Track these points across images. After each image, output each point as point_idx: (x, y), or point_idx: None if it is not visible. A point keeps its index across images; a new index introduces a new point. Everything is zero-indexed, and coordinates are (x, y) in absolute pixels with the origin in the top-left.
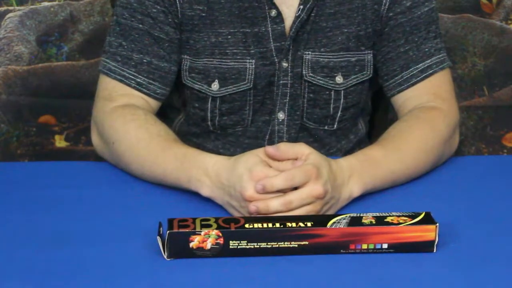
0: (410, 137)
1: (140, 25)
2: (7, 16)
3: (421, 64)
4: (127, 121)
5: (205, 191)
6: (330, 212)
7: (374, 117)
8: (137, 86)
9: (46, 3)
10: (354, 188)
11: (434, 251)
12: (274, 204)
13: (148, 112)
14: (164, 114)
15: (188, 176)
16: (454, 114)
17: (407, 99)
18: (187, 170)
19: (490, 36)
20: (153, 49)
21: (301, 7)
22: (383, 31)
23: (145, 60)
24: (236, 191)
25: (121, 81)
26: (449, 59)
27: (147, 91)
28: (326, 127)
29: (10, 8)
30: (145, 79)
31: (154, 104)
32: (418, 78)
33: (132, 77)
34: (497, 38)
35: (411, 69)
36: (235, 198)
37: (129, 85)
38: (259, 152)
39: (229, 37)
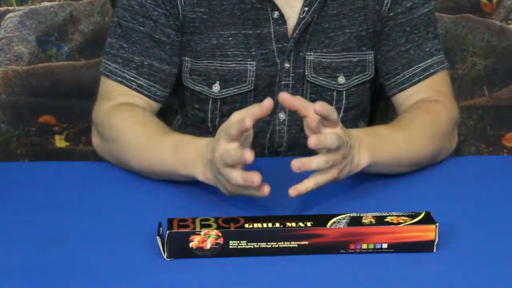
0: (414, 124)
1: (141, 28)
2: (7, 16)
3: (423, 63)
4: (125, 118)
5: (198, 173)
6: (343, 175)
7: (373, 118)
8: (138, 88)
9: (46, 3)
10: (362, 156)
11: (434, 251)
12: (317, 160)
13: (146, 110)
14: (162, 116)
15: (184, 160)
16: (455, 111)
17: (409, 96)
18: (182, 155)
19: (490, 36)
20: (154, 51)
21: (306, 9)
22: (383, 31)
23: (146, 63)
24: (210, 158)
25: (121, 82)
26: (447, 61)
27: (148, 93)
28: None
29: (10, 8)
30: (146, 81)
31: (155, 105)
32: (420, 77)
33: (133, 79)
34: (497, 38)
35: (413, 68)
36: (212, 169)
37: (129, 87)
38: (234, 116)
39: (230, 38)
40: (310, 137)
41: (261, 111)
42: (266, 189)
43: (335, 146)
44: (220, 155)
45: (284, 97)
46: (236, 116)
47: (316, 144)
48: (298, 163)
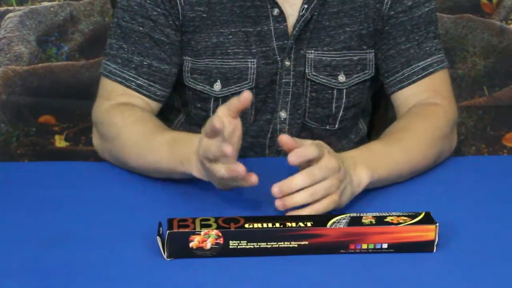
0: (411, 130)
1: (141, 28)
2: (7, 16)
3: (422, 62)
4: (125, 117)
5: (194, 171)
6: (346, 197)
7: (374, 117)
8: (138, 88)
9: (46, 3)
10: (362, 175)
11: (434, 251)
12: (300, 197)
13: (145, 110)
14: (163, 115)
15: (181, 157)
16: (453, 112)
17: (408, 96)
18: (179, 152)
19: (490, 36)
20: (154, 51)
21: (305, 6)
22: (383, 30)
23: (145, 63)
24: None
25: (121, 83)
26: (447, 61)
27: (148, 93)
28: (327, 127)
29: (10, 8)
30: (146, 81)
31: (155, 105)
32: (419, 76)
33: (133, 79)
34: (497, 38)
35: (412, 67)
36: (203, 165)
37: (129, 87)
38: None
39: (231, 36)
40: (275, 185)
41: (240, 104)
42: (254, 178)
43: (316, 154)
44: (202, 150)
45: (284, 140)
46: (221, 110)
47: (294, 160)
48: (276, 189)
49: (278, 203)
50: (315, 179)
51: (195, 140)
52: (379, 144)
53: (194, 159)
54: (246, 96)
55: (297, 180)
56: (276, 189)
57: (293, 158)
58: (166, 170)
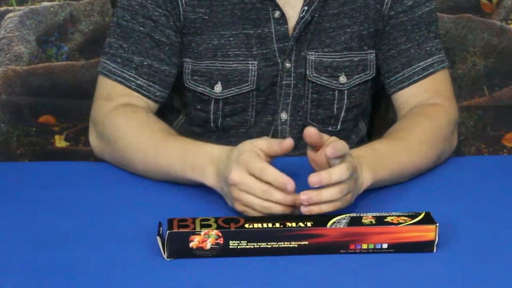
0: (413, 131)
1: (141, 28)
2: (7, 16)
3: (423, 62)
4: (129, 118)
5: (209, 180)
6: (354, 197)
7: (374, 117)
8: (137, 88)
9: (46, 3)
10: (365, 176)
11: (434, 251)
12: (328, 193)
13: (149, 111)
14: (163, 116)
15: (193, 165)
16: (454, 112)
17: (409, 96)
18: (192, 159)
19: (490, 36)
20: (154, 52)
21: (306, 8)
22: (384, 30)
23: (145, 63)
24: (225, 174)
25: (121, 82)
26: (447, 61)
27: (147, 94)
28: (330, 128)
29: (10, 8)
30: (145, 81)
31: (153, 106)
32: (420, 76)
33: (133, 79)
34: (497, 38)
35: (413, 67)
36: (225, 183)
37: (129, 87)
38: (257, 142)
39: (231, 39)
40: (314, 175)
41: (280, 149)
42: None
43: (347, 176)
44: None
45: (311, 132)
46: (261, 144)
47: (332, 153)
48: (305, 197)
49: (305, 209)
50: (343, 192)
51: (210, 150)
52: (383, 145)
53: (209, 169)
54: (289, 143)
55: (327, 195)
56: (305, 197)
57: (332, 150)
58: (174, 175)
